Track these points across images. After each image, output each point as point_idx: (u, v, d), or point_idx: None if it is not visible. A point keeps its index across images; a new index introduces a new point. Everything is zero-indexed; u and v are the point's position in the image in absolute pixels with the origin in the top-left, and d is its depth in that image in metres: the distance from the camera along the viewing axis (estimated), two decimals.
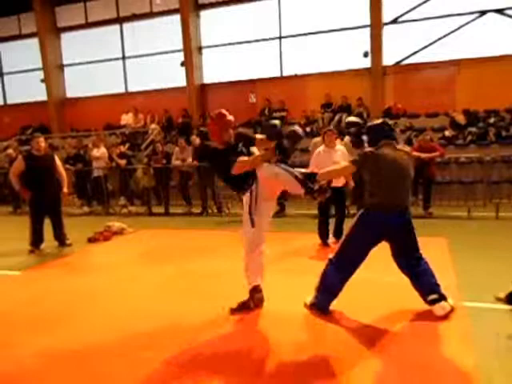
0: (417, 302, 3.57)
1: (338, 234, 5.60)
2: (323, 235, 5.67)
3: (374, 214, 3.33)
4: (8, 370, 2.79)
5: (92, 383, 2.61)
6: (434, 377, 2.50)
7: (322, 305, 3.40)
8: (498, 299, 3.39)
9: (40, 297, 4.19)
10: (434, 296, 3.26)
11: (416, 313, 3.37)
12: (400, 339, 2.95)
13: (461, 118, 10.10)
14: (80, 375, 2.69)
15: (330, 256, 3.49)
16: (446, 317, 3.21)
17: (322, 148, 5.66)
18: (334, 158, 5.37)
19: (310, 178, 3.27)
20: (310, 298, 3.47)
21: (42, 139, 6.29)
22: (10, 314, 3.78)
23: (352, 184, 5.75)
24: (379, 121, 3.62)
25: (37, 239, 6.12)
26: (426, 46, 11.27)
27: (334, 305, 3.44)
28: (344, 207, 5.92)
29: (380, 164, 3.32)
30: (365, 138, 4.21)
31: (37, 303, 4.02)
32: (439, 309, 3.23)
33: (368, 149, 3.51)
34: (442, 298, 3.26)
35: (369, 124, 3.73)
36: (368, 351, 2.79)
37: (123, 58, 14.53)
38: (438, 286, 3.31)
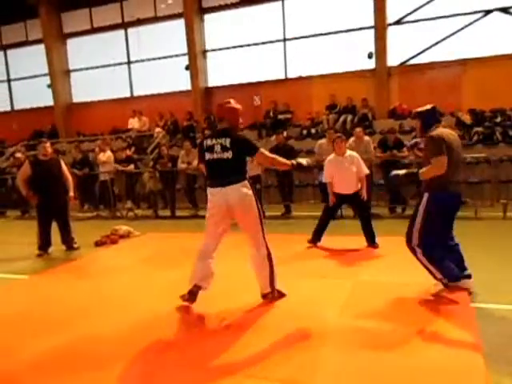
0: (425, 303, 3.56)
1: (370, 238, 5.56)
2: (317, 233, 5.68)
3: (443, 194, 3.51)
4: (15, 372, 2.82)
5: None
6: (445, 380, 2.48)
7: (452, 275, 3.56)
8: None
9: (48, 301, 4.22)
10: (468, 271, 3.71)
11: (425, 314, 3.36)
12: (409, 341, 2.93)
13: (467, 118, 10.03)
14: (86, 379, 2.70)
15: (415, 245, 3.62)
16: (454, 317, 3.20)
17: (332, 156, 5.68)
18: (345, 166, 5.49)
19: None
20: (435, 287, 3.66)
21: (48, 144, 6.36)
22: (18, 317, 3.81)
23: (365, 194, 5.65)
24: (429, 106, 3.72)
25: (45, 243, 6.18)
26: (430, 46, 11.22)
27: (342, 307, 3.42)
28: (366, 210, 5.79)
29: (451, 145, 3.47)
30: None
31: (44, 307, 4.04)
32: (471, 284, 3.68)
33: (433, 132, 3.54)
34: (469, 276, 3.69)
35: (419, 110, 3.78)
36: (377, 353, 2.78)
37: (128, 62, 14.64)
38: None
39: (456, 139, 3.62)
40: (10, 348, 3.17)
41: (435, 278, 3.62)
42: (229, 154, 3.53)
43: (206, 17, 13.36)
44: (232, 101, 3.73)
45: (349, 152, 5.67)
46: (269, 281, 3.71)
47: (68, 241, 6.34)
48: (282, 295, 3.80)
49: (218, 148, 3.57)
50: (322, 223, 5.71)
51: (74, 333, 3.37)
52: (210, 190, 3.71)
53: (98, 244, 6.62)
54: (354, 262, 4.92)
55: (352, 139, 8.07)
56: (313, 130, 11.44)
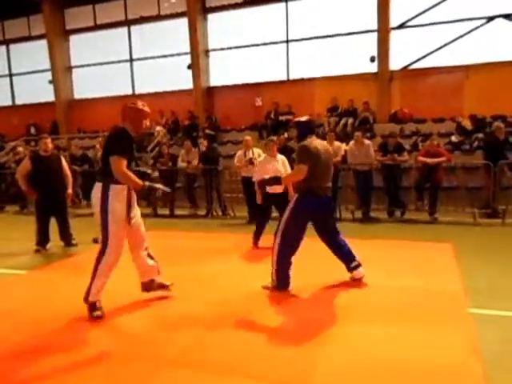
0: (420, 307, 3.57)
1: None
2: (256, 235, 5.87)
3: (310, 197, 3.89)
4: (12, 368, 2.81)
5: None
6: None
7: (283, 284, 3.93)
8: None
9: (45, 296, 4.21)
10: (355, 263, 4.11)
11: (423, 319, 3.36)
12: (407, 345, 2.93)
13: (467, 124, 10.05)
14: (83, 376, 2.70)
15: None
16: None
17: (263, 158, 6.14)
18: (275, 166, 5.84)
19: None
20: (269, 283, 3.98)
21: (48, 140, 6.34)
22: (15, 312, 3.79)
23: (292, 193, 5.70)
24: (305, 118, 4.20)
25: (43, 239, 6.16)
26: (433, 51, 11.24)
27: (342, 310, 3.42)
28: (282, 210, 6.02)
29: (318, 155, 3.85)
30: None
31: (42, 302, 4.03)
32: (359, 273, 4.11)
33: (301, 143, 3.95)
34: (360, 264, 4.12)
35: (295, 120, 4.32)
36: (376, 356, 2.78)
37: (131, 60, 14.63)
38: (354, 255, 4.13)
39: (326, 150, 4.00)
40: (5, 341, 3.17)
41: (271, 275, 3.97)
42: (101, 153, 3.65)
43: (210, 16, 13.37)
44: (139, 102, 3.67)
45: (279, 156, 6.08)
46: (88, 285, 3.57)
47: (66, 237, 6.33)
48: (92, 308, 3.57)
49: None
50: (258, 224, 5.92)
51: (71, 329, 3.37)
52: None
53: (97, 241, 6.55)
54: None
55: (352, 143, 8.07)
56: None
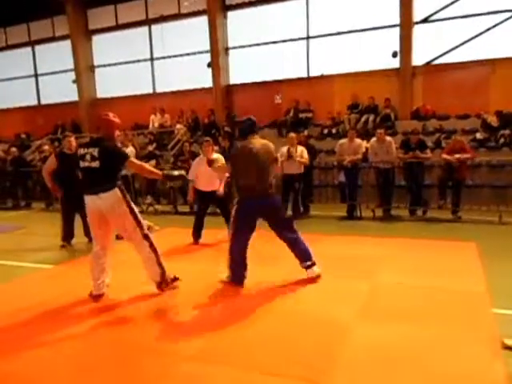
0: (443, 307, 3.51)
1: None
2: (195, 231, 6.21)
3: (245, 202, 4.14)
4: (39, 359, 2.91)
5: (123, 376, 2.69)
6: None
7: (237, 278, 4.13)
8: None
9: (71, 289, 4.34)
10: (309, 262, 4.18)
11: (443, 318, 3.31)
12: (425, 345, 2.89)
13: (493, 120, 9.77)
14: (109, 368, 2.77)
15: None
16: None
17: (201, 157, 6.17)
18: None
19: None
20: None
21: (72, 138, 6.51)
22: (43, 306, 3.92)
23: (222, 191, 6.19)
24: (245, 118, 4.28)
25: (68, 235, 6.34)
26: (457, 46, 10.93)
27: (360, 308, 3.40)
28: (226, 206, 6.24)
29: (240, 155, 4.09)
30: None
31: (68, 296, 4.16)
32: (311, 272, 4.18)
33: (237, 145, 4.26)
34: (314, 264, 4.18)
35: (236, 120, 4.38)
36: (394, 356, 2.76)
37: (151, 59, 14.80)
38: (310, 254, 4.19)
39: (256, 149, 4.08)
40: (34, 333, 3.27)
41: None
42: (96, 164, 3.80)
43: (230, 14, 13.38)
44: (110, 114, 4.09)
45: (215, 155, 6.08)
46: (159, 270, 3.96)
47: (90, 233, 6.46)
48: (174, 280, 4.09)
49: (88, 157, 3.85)
50: (196, 221, 6.22)
51: (97, 321, 3.46)
52: (85, 197, 3.96)
53: (119, 237, 6.69)
54: (370, 263, 4.86)
55: (374, 140, 7.97)
56: (333, 130, 11.34)
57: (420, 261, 4.89)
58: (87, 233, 6.48)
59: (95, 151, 3.82)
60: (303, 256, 4.21)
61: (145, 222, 7.13)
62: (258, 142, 4.15)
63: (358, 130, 10.06)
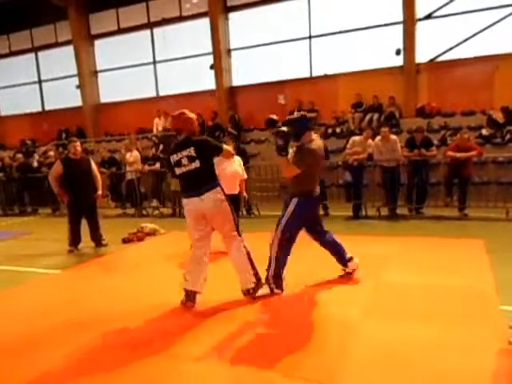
0: (450, 304, 3.49)
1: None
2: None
3: (308, 198, 3.93)
4: (49, 365, 2.92)
5: (128, 376, 2.70)
6: None
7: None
8: None
9: (79, 294, 4.36)
10: (349, 255, 4.25)
11: (451, 315, 3.29)
12: (433, 343, 2.88)
13: (499, 116, 9.70)
14: (114, 369, 2.77)
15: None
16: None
17: (220, 158, 5.86)
18: (233, 167, 5.66)
19: None
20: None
21: (78, 143, 6.54)
22: (52, 311, 3.94)
23: (245, 194, 6.01)
24: (298, 114, 4.07)
25: (75, 240, 6.37)
26: (461, 42, 10.85)
27: (366, 308, 3.38)
28: (238, 211, 5.96)
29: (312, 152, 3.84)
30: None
31: (76, 300, 4.18)
32: (354, 264, 4.23)
33: (306, 145, 3.86)
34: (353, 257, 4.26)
35: (288, 118, 4.09)
36: (402, 355, 2.74)
37: (154, 62, 14.84)
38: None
39: (320, 148, 3.95)
40: (43, 340, 3.29)
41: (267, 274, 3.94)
42: (196, 164, 3.67)
43: (231, 15, 13.39)
44: (186, 111, 3.86)
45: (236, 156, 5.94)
46: (252, 271, 3.83)
47: (97, 238, 6.52)
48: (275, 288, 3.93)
49: (185, 161, 3.69)
50: None
51: (104, 326, 3.47)
52: (184, 200, 3.85)
53: (125, 241, 6.77)
54: (377, 261, 4.83)
55: (378, 138, 7.93)
56: (338, 129, 11.31)
57: (427, 259, 4.86)
58: (94, 237, 6.53)
59: (191, 151, 3.65)
60: (343, 252, 4.23)
61: (151, 226, 7.26)
62: (317, 139, 4.01)
63: (363, 128, 10.01)
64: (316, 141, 3.95)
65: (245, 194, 5.98)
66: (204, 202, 3.67)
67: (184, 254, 5.83)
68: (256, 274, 3.85)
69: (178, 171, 3.74)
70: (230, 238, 3.84)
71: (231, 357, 2.87)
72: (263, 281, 3.90)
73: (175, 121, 3.83)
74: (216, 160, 5.81)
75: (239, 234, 3.87)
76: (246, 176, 5.99)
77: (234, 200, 5.66)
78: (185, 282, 3.80)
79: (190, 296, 3.79)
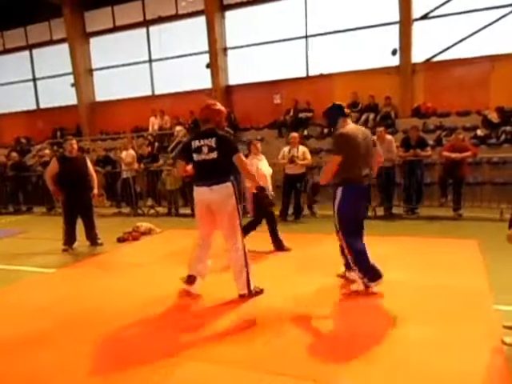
0: (445, 304, 3.51)
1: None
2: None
3: (354, 186, 3.75)
4: (43, 363, 2.91)
5: (126, 376, 2.69)
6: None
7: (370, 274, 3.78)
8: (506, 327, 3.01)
9: (74, 293, 4.35)
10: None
11: (445, 315, 3.31)
12: (427, 342, 2.89)
13: (494, 117, 9.76)
14: (112, 368, 2.76)
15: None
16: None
17: (250, 158, 5.69)
18: (266, 166, 5.71)
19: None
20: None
21: (74, 141, 6.51)
22: (46, 310, 3.92)
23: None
24: (331, 104, 3.98)
25: (70, 239, 6.35)
26: (457, 42, 10.89)
27: (366, 308, 3.39)
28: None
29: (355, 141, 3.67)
30: None
31: (71, 299, 4.17)
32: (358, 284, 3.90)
33: (338, 131, 3.76)
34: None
35: (324, 110, 4.05)
36: (392, 354, 2.75)
37: (150, 60, 14.79)
38: None
39: (364, 134, 3.83)
40: (38, 338, 3.27)
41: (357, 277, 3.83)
42: (214, 155, 3.70)
43: (227, 14, 13.36)
44: (217, 103, 3.95)
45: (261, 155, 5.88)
46: (246, 282, 3.82)
47: (92, 237, 6.49)
48: (258, 293, 3.90)
49: (205, 149, 3.73)
50: (252, 227, 5.61)
51: (99, 324, 3.46)
52: (195, 188, 3.90)
53: (121, 240, 6.75)
54: (374, 261, 4.85)
55: (374, 138, 7.93)
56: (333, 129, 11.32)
57: (422, 259, 4.88)
58: (89, 236, 6.50)
59: (212, 141, 3.69)
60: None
61: (146, 225, 7.24)
62: (357, 126, 3.92)
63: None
64: (354, 127, 3.85)
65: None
66: (212, 193, 3.73)
67: (179, 252, 5.85)
68: (248, 282, 3.82)
69: (196, 157, 3.78)
70: (231, 238, 3.83)
71: (226, 357, 2.87)
72: (253, 290, 3.86)
73: (204, 110, 3.88)
74: (247, 161, 5.68)
75: (243, 235, 3.86)
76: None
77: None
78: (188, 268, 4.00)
79: (190, 278, 4.01)
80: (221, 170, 3.73)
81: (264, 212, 5.47)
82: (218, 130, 3.82)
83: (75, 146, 6.45)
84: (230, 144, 3.75)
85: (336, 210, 3.82)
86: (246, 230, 5.52)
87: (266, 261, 5.21)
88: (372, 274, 3.77)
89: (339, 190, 3.78)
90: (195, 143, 3.78)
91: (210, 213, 3.83)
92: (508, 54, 10.31)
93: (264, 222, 5.64)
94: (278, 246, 5.60)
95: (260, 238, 5.51)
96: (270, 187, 5.48)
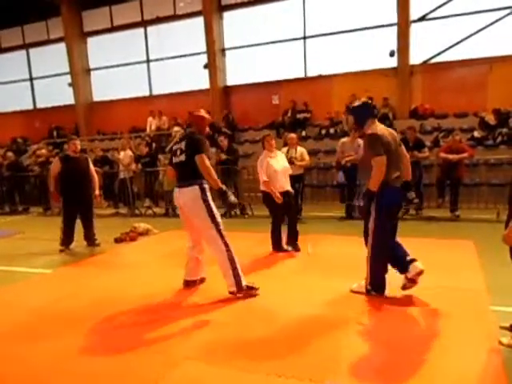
0: (442, 304, 3.52)
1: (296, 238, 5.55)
2: (278, 246, 5.55)
3: (391, 189, 3.54)
4: (39, 362, 2.89)
5: (122, 376, 2.68)
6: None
7: (379, 286, 3.67)
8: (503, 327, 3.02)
9: (71, 294, 4.33)
10: (410, 257, 3.73)
11: (442, 316, 3.31)
12: (426, 343, 2.90)
13: (491, 118, 9.80)
14: (108, 368, 2.75)
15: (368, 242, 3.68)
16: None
17: (264, 155, 5.52)
18: (280, 163, 5.48)
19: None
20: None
21: (78, 141, 6.52)
22: (43, 309, 3.91)
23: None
24: (361, 101, 3.82)
25: (67, 239, 6.34)
26: (455, 44, 10.95)
27: (363, 309, 3.39)
28: (294, 207, 5.72)
29: (387, 141, 3.52)
30: None
31: (68, 300, 4.15)
32: (419, 265, 3.67)
33: (370, 131, 3.59)
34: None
35: (352, 106, 3.89)
36: (391, 355, 2.76)
37: (147, 61, 14.77)
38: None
39: (392, 135, 3.68)
40: (33, 338, 3.26)
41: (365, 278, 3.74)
42: (182, 157, 3.83)
43: (225, 14, 13.37)
44: (202, 110, 4.08)
45: (278, 151, 5.71)
46: (234, 279, 3.83)
47: (90, 237, 6.47)
48: (250, 290, 3.89)
49: (178, 152, 3.89)
50: (275, 231, 5.52)
51: (95, 324, 3.45)
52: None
53: (118, 241, 6.72)
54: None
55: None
56: (331, 130, 11.34)
57: (418, 259, 4.88)
58: (87, 236, 6.49)
59: (183, 144, 3.87)
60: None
61: (144, 225, 7.22)
62: (382, 125, 3.73)
63: (350, 129, 10.06)
64: (383, 128, 3.69)
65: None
66: (180, 196, 3.89)
67: (177, 253, 5.83)
68: (236, 279, 3.82)
69: (173, 160, 3.99)
70: (209, 239, 3.88)
71: (222, 356, 2.86)
72: (244, 287, 3.85)
73: (189, 117, 4.15)
74: (260, 160, 5.52)
75: (221, 235, 3.83)
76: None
77: (288, 197, 5.47)
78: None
79: (189, 284, 4.20)
80: (189, 172, 3.82)
81: (279, 206, 5.36)
82: (198, 134, 3.93)
83: (78, 146, 6.45)
84: (195, 145, 3.83)
85: (373, 217, 3.59)
86: (275, 240, 5.48)
87: (265, 260, 5.21)
88: (380, 284, 3.68)
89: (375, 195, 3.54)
90: (174, 146, 4.01)
91: (185, 215, 3.95)
92: (505, 56, 10.37)
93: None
94: (291, 241, 5.54)
95: (260, 238, 5.49)
96: (283, 183, 5.36)
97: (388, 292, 3.72)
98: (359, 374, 2.61)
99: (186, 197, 3.83)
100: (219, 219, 3.86)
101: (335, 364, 2.73)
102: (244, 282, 3.87)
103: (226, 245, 3.84)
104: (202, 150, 3.79)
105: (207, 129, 4.12)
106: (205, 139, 3.94)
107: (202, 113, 4.05)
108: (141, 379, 2.67)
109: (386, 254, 3.66)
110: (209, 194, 3.86)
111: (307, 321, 3.41)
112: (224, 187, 3.90)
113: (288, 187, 5.48)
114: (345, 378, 2.58)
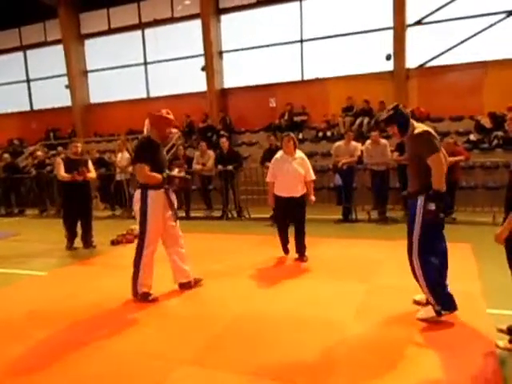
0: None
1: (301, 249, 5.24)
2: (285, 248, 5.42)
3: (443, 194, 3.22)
4: (35, 363, 2.87)
5: (117, 379, 2.67)
6: None
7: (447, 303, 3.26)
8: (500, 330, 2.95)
9: (66, 296, 4.31)
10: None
11: (438, 319, 3.31)
12: (423, 346, 2.90)
13: (486, 122, 9.85)
14: (105, 372, 2.74)
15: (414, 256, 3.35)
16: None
17: (279, 154, 5.26)
18: (293, 166, 5.11)
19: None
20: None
21: (79, 144, 6.57)
22: (38, 311, 3.89)
23: (313, 198, 5.23)
24: (393, 108, 3.44)
25: (71, 236, 6.45)
26: (451, 48, 11.01)
27: (357, 311, 3.38)
28: (302, 220, 5.26)
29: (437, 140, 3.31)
30: None
31: (63, 302, 4.13)
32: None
33: (419, 130, 3.30)
34: None
35: (390, 115, 3.45)
36: (387, 358, 2.75)
37: (145, 63, 14.76)
38: None
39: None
40: (28, 338, 3.24)
41: (427, 300, 3.39)
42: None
43: (223, 17, 13.39)
44: (163, 110, 4.04)
45: (298, 153, 5.25)
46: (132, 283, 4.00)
47: (87, 239, 6.48)
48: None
49: None
50: (281, 234, 5.35)
51: (90, 325, 3.43)
52: None
53: (114, 243, 6.71)
54: (367, 265, 4.88)
55: (368, 142, 8.00)
56: (328, 133, 11.37)
57: None
58: (85, 238, 6.51)
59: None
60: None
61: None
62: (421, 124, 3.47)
63: (353, 132, 10.08)
64: (425, 126, 3.45)
65: (312, 197, 5.22)
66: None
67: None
68: (134, 283, 4.03)
69: None
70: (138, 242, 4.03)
71: (217, 361, 2.85)
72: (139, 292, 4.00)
73: (148, 117, 4.22)
74: (274, 160, 5.24)
75: (142, 240, 3.95)
76: (313, 177, 5.29)
77: (294, 204, 5.07)
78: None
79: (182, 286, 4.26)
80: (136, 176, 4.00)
81: (279, 210, 5.26)
82: (146, 139, 4.01)
83: (80, 149, 6.50)
84: (134, 153, 4.00)
85: (417, 225, 3.30)
86: (281, 243, 5.36)
87: (261, 263, 5.20)
88: (447, 300, 3.28)
89: (420, 200, 3.26)
90: None
91: None
92: (501, 60, 10.44)
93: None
94: (298, 250, 5.25)
95: (256, 241, 5.49)
96: (290, 189, 5.05)
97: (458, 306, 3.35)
98: (353, 378, 2.60)
99: (134, 199, 4.02)
100: (148, 226, 3.91)
101: (331, 368, 2.73)
102: (138, 288, 4.01)
103: (142, 247, 4.00)
104: (137, 159, 3.90)
105: (172, 129, 4.11)
106: (146, 145, 3.94)
107: (163, 113, 3.99)
108: (136, 382, 2.65)
109: (439, 269, 3.33)
110: (149, 197, 3.88)
111: (304, 323, 3.40)
112: (165, 174, 3.93)
113: (295, 194, 5.08)
114: (344, 380, 2.58)
